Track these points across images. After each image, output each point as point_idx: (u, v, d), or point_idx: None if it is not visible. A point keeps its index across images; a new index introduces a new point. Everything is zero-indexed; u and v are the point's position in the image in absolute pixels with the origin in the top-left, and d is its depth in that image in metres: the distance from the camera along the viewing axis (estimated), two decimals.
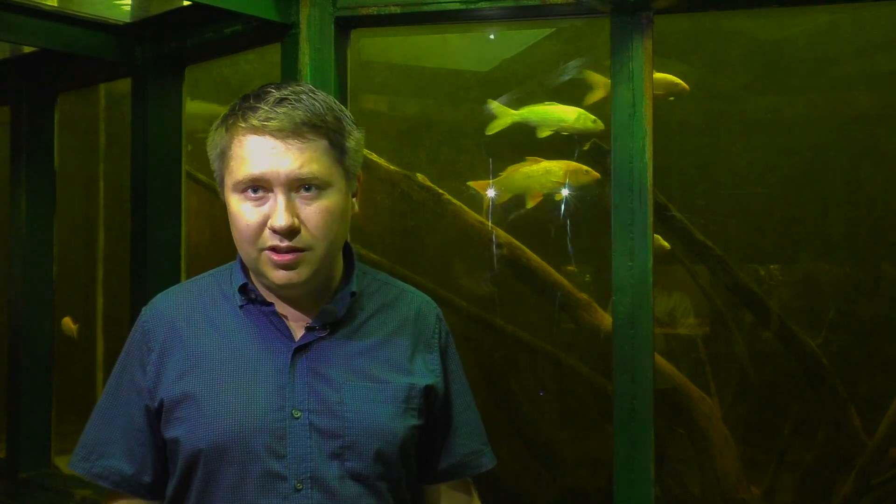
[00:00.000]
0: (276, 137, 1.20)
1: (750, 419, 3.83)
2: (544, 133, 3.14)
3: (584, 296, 3.30)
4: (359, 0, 2.13)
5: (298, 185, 1.21)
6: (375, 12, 2.12)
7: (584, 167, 3.21)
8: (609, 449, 1.98)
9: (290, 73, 2.13)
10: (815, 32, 3.92)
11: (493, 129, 3.22)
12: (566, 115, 3.13)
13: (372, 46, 4.24)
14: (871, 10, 3.50)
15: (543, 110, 3.18)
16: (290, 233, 1.20)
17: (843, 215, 4.09)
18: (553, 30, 3.77)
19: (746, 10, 2.43)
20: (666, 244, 3.22)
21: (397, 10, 2.10)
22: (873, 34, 3.77)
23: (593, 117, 3.06)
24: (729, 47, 4.02)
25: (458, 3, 2.05)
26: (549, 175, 3.26)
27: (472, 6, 2.04)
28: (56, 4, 2.41)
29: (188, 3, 2.37)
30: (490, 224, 3.38)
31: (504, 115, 3.20)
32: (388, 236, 4.52)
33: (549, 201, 4.50)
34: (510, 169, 3.35)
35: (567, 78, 4.00)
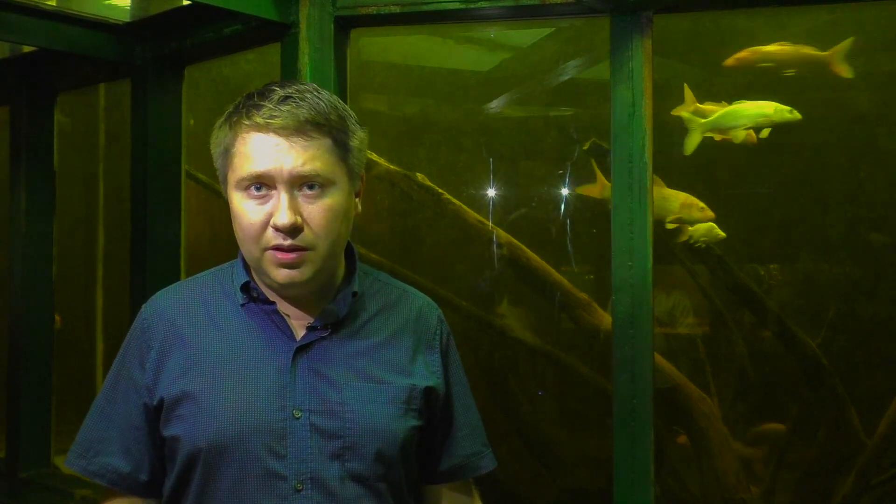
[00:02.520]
0: (280, 135, 1.20)
1: (750, 419, 3.83)
2: (742, 133, 2.97)
3: (583, 295, 3.30)
4: (358, 0, 2.13)
5: (301, 183, 1.21)
6: (375, 12, 2.12)
7: (701, 203, 3.08)
8: (609, 448, 1.98)
9: (289, 73, 2.13)
10: (815, 32, 3.92)
11: (691, 147, 3.00)
12: (763, 109, 2.94)
13: (372, 46, 4.25)
14: (871, 10, 3.49)
15: (737, 110, 2.99)
16: (293, 231, 1.20)
17: (843, 215, 4.09)
18: (553, 30, 3.77)
19: (746, 10, 2.43)
20: (721, 233, 3.12)
21: (397, 9, 2.10)
22: (873, 34, 3.77)
23: (789, 108, 2.92)
24: (729, 47, 4.02)
25: (457, 3, 2.04)
26: (664, 203, 3.08)
27: (472, 6, 2.04)
28: (56, 4, 2.41)
29: (188, 2, 2.37)
30: (490, 224, 3.38)
31: (695, 126, 2.98)
32: (388, 236, 4.52)
33: (548, 201, 4.50)
34: None
35: (567, 77, 4.00)
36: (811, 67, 3.21)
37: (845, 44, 3.03)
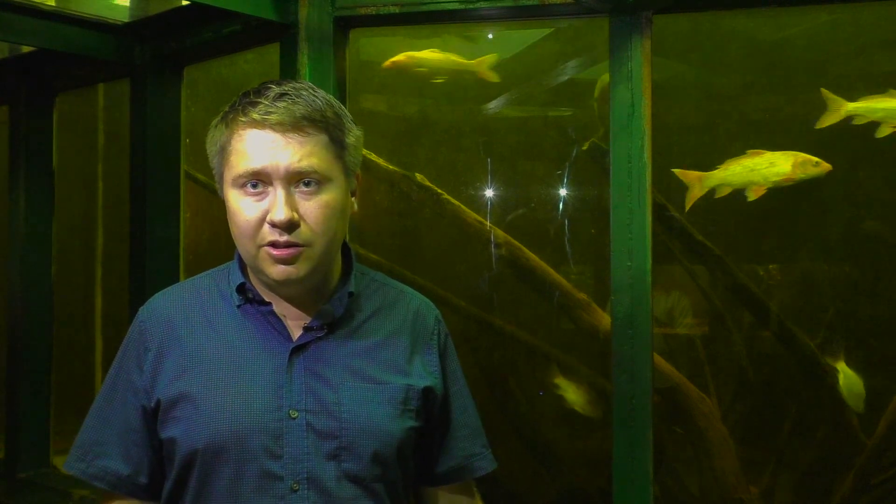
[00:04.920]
0: (276, 131, 1.20)
1: (749, 419, 3.83)
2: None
3: (582, 295, 3.29)
4: (357, 0, 2.13)
5: (298, 180, 1.21)
6: (374, 12, 2.12)
7: (814, 158, 2.94)
8: (608, 448, 1.98)
9: (288, 73, 2.13)
10: (815, 32, 3.92)
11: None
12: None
13: (371, 46, 4.24)
14: (871, 10, 3.49)
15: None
16: (290, 227, 1.20)
17: (842, 215, 4.09)
18: (552, 30, 3.77)
19: (746, 9, 2.43)
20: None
21: (396, 9, 2.10)
22: (873, 34, 3.77)
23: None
24: (728, 47, 4.02)
25: (456, 3, 2.05)
26: (774, 167, 2.94)
27: (471, 6, 2.04)
28: (55, 4, 2.41)
29: (187, 2, 2.37)
30: (489, 224, 3.38)
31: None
32: (387, 236, 4.51)
33: (547, 201, 4.50)
34: (729, 162, 3.03)
35: (566, 78, 3.99)
36: (459, 74, 3.36)
37: (491, 56, 3.31)
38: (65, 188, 3.28)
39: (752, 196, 2.96)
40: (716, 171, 2.98)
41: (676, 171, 3.04)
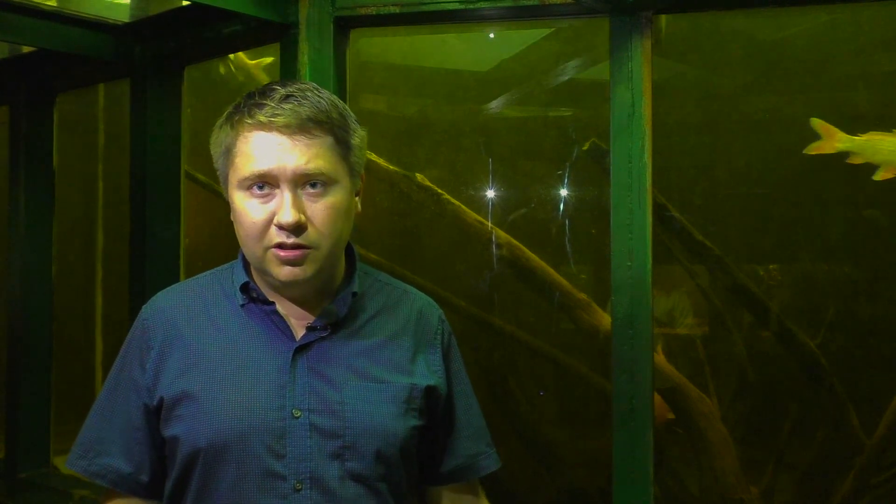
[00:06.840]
0: (283, 133, 1.20)
1: (749, 419, 3.83)
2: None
3: (582, 296, 3.29)
4: (358, 0, 2.13)
5: (304, 182, 1.21)
6: (374, 12, 2.12)
7: None
8: (608, 448, 1.98)
9: (288, 73, 2.13)
10: (815, 32, 3.92)
11: None
12: None
13: (371, 46, 4.25)
14: (871, 10, 3.49)
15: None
16: (297, 229, 1.20)
17: (843, 215, 4.09)
18: (552, 30, 3.77)
19: (745, 9, 2.43)
20: None
21: (396, 9, 2.10)
22: (872, 34, 3.77)
23: None
24: (728, 47, 4.02)
25: (456, 3, 2.05)
26: None
27: (471, 6, 2.04)
28: (55, 4, 2.41)
29: (187, 2, 2.37)
30: (489, 224, 3.38)
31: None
32: (388, 236, 4.52)
33: (547, 202, 4.50)
34: (874, 133, 2.83)
35: (566, 78, 3.99)
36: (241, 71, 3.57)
37: (265, 59, 3.54)
38: (65, 188, 3.28)
39: (880, 175, 2.77)
40: (857, 137, 2.81)
41: (814, 119, 2.86)
